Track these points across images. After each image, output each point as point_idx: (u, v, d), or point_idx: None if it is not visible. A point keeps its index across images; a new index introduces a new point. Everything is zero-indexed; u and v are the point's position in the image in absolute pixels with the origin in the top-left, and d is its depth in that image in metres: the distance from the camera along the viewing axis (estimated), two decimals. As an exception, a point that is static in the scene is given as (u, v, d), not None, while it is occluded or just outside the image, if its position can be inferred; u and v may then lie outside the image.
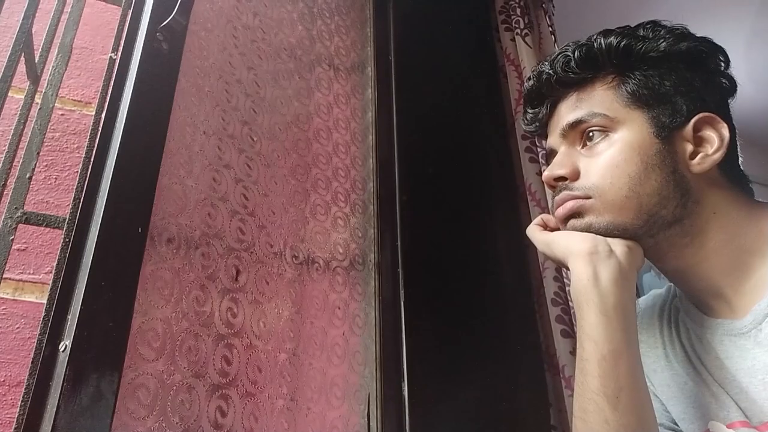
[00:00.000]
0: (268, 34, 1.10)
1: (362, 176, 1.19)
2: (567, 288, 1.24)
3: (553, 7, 1.74)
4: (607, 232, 0.64)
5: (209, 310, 0.78)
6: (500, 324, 1.24)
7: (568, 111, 0.70)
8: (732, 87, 0.69)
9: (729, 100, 0.69)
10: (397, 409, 0.95)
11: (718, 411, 0.62)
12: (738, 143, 0.70)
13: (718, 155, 0.64)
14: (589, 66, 0.69)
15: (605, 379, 0.57)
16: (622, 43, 0.67)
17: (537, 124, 0.76)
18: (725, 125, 0.65)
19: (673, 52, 0.66)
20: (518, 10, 1.62)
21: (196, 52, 0.92)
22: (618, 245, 0.63)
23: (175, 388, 0.70)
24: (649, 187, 0.63)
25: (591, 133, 0.66)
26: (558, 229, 0.70)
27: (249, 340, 0.81)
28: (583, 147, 0.68)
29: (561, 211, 0.68)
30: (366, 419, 0.94)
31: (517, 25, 1.60)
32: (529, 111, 0.77)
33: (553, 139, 0.72)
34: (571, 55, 0.69)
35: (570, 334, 1.22)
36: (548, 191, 1.35)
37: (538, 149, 1.42)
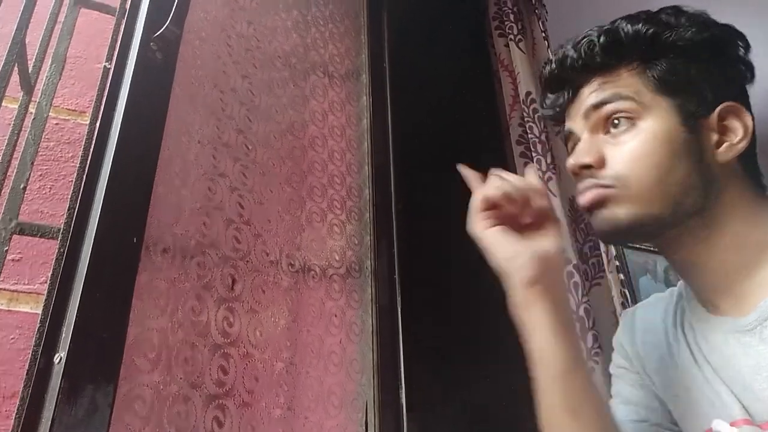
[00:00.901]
0: (263, 43, 1.10)
1: (358, 183, 1.19)
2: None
3: (546, 12, 1.75)
4: (633, 223, 0.63)
5: (205, 320, 0.78)
6: (497, 329, 1.24)
7: (592, 92, 0.68)
8: (751, 73, 0.68)
9: (747, 86, 0.69)
10: (394, 417, 0.95)
11: (721, 410, 0.61)
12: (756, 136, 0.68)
13: (742, 144, 0.64)
14: (614, 51, 0.67)
15: (561, 396, 0.61)
16: (650, 31, 0.66)
17: (557, 109, 0.75)
18: (749, 115, 0.65)
19: (697, 40, 0.65)
20: (512, 16, 1.63)
21: (190, 61, 0.92)
22: (542, 262, 0.64)
23: (171, 399, 0.70)
24: (675, 177, 0.62)
25: (616, 120, 0.65)
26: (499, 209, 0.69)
27: (245, 349, 0.81)
28: (607, 133, 0.67)
29: (584, 200, 0.67)
30: (364, 427, 0.93)
31: (510, 31, 1.60)
32: (549, 95, 0.76)
33: (574, 123, 0.71)
34: (596, 40, 0.68)
35: (567, 339, 1.21)
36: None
37: (533, 154, 1.42)
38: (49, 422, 0.57)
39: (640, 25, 0.67)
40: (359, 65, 1.35)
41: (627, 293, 1.29)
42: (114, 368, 0.64)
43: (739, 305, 0.63)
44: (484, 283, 1.29)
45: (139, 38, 0.83)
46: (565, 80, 0.72)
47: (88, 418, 0.59)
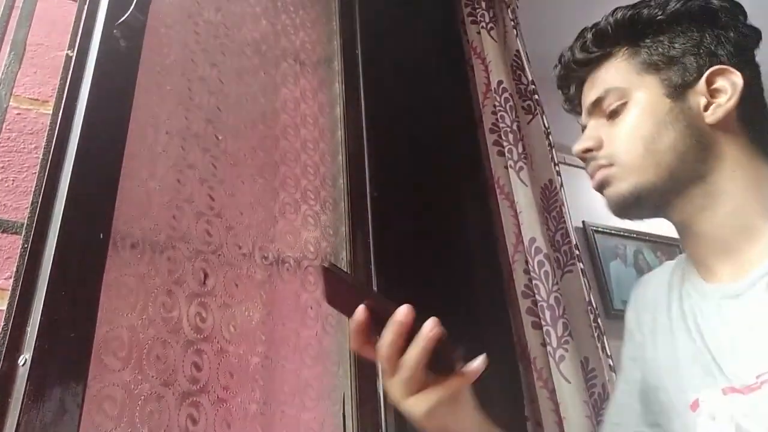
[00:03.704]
0: (232, 30, 1.07)
1: (332, 173, 1.18)
2: (535, 282, 1.25)
3: (517, 0, 1.75)
4: (636, 195, 0.66)
5: (177, 316, 0.76)
6: (473, 318, 1.25)
7: (589, 90, 0.74)
8: (753, 36, 0.70)
9: (754, 50, 0.70)
10: (373, 408, 0.95)
11: (709, 379, 0.62)
12: (764, 91, 0.71)
13: (731, 103, 0.65)
14: (603, 43, 0.72)
15: None
16: (627, 14, 0.71)
17: (571, 104, 0.81)
18: (738, 74, 0.66)
19: (680, 12, 0.69)
20: (483, 4, 1.62)
21: (155, 49, 0.89)
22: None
23: (143, 398, 0.68)
24: (663, 144, 0.65)
25: (614, 110, 0.70)
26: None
27: (219, 344, 0.80)
28: (608, 119, 0.71)
29: (593, 183, 0.71)
30: (342, 419, 0.93)
31: (482, 19, 1.60)
32: (563, 94, 0.82)
33: (584, 117, 0.76)
34: (586, 36, 0.74)
35: (540, 326, 1.23)
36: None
37: (504, 143, 1.42)
38: (14, 428, 0.55)
39: (619, 12, 0.72)
40: (331, 52, 1.33)
41: (587, 282, 1.31)
42: (82, 368, 0.62)
43: (735, 271, 0.64)
44: (461, 272, 1.30)
45: (102, 25, 0.80)
46: (569, 78, 0.79)
47: (56, 421, 0.57)
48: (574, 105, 0.80)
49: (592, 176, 0.72)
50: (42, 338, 0.60)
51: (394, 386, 0.59)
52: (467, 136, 1.53)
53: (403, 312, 0.56)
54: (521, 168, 1.37)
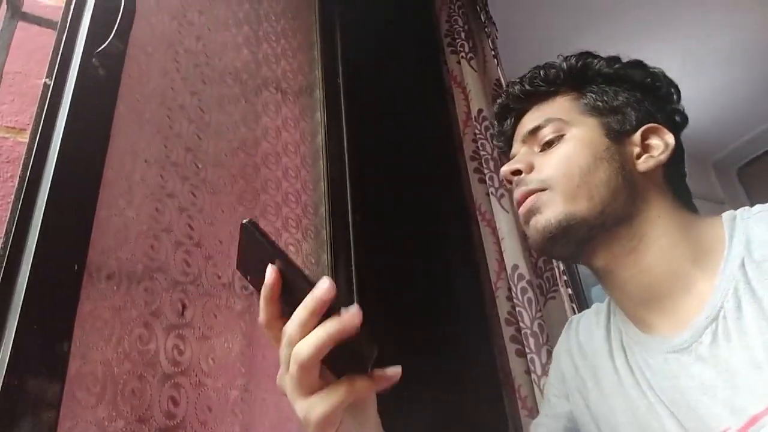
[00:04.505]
0: (212, 58, 1.07)
1: (314, 201, 1.17)
2: (518, 309, 1.25)
3: (497, 31, 1.79)
4: (565, 224, 0.65)
5: (154, 349, 0.74)
6: (456, 345, 1.24)
7: (529, 120, 0.75)
8: (683, 120, 0.75)
9: (680, 132, 0.74)
10: (354, 441, 0.92)
11: None
12: (685, 161, 0.75)
13: (663, 157, 0.69)
14: (551, 81, 0.75)
15: None
16: (581, 62, 0.74)
17: (504, 137, 0.82)
18: (671, 134, 0.70)
19: (627, 74, 0.74)
20: (463, 34, 1.65)
21: (135, 77, 0.88)
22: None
23: (117, 435, 0.66)
24: (598, 178, 0.66)
25: (549, 140, 0.71)
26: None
27: (198, 378, 0.77)
28: (541, 150, 0.72)
29: (521, 210, 0.70)
30: (323, 453, 0.90)
31: (462, 49, 1.62)
32: (498, 126, 0.83)
33: (515, 147, 0.77)
34: (538, 73, 0.76)
35: (524, 353, 1.22)
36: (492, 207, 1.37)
37: (485, 170, 1.43)
38: (-21, 471, 0.52)
39: (574, 58, 0.75)
40: (312, 81, 1.34)
41: (575, 308, 1.31)
42: (54, 404, 0.60)
43: (673, 323, 0.63)
44: (443, 299, 1.29)
45: (81, 53, 0.79)
46: (510, 110, 0.80)
47: (25, 461, 0.55)
48: (507, 138, 0.81)
49: (519, 203, 0.71)
50: (11, 373, 0.58)
51: (285, 381, 0.48)
52: (448, 163, 1.54)
53: (324, 288, 0.45)
54: (503, 195, 1.38)
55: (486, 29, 1.73)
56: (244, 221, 0.50)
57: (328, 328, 0.44)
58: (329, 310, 0.45)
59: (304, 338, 0.45)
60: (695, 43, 2.58)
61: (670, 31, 2.51)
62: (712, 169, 3.55)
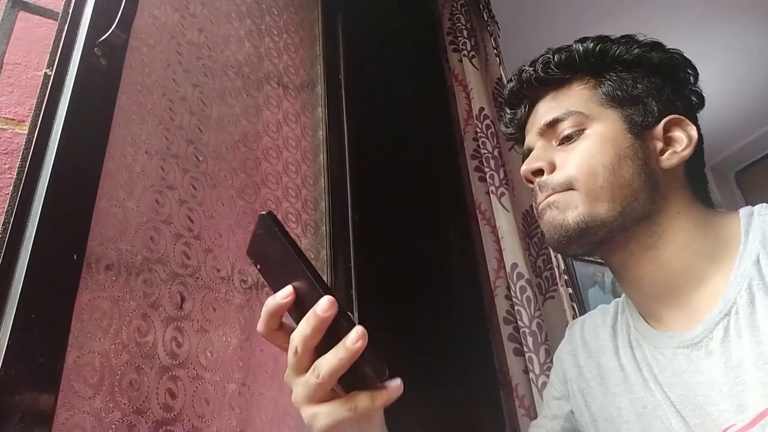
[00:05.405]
0: (215, 51, 1.07)
1: (314, 196, 1.17)
2: (517, 308, 1.25)
3: (499, 29, 1.78)
4: (584, 226, 0.64)
5: (152, 341, 0.73)
6: (454, 344, 1.23)
7: (546, 110, 0.72)
8: (700, 101, 0.73)
9: (697, 113, 0.72)
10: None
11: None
12: (704, 151, 0.73)
13: (686, 153, 0.67)
14: (567, 67, 0.71)
15: None
16: (599, 47, 0.70)
17: (516, 124, 0.78)
18: (694, 127, 0.68)
19: (645, 58, 0.70)
20: (465, 32, 1.64)
21: (137, 68, 0.88)
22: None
23: (114, 426, 0.65)
24: (622, 178, 0.64)
25: (568, 135, 0.68)
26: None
27: (195, 371, 0.77)
28: (559, 144, 0.69)
29: (538, 206, 0.69)
30: (320, 449, 0.90)
31: (464, 47, 1.62)
32: (509, 112, 0.79)
33: (531, 138, 0.73)
34: (551, 57, 0.72)
35: (522, 352, 1.22)
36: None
37: (486, 169, 1.43)
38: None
39: (590, 42, 0.71)
40: (314, 76, 1.33)
41: (575, 306, 1.31)
42: (51, 396, 0.59)
43: (685, 318, 0.63)
44: (442, 297, 1.29)
45: (83, 43, 0.78)
46: (523, 96, 0.76)
47: (21, 452, 0.54)
48: (519, 126, 0.78)
49: (536, 198, 0.69)
50: (8, 363, 0.57)
51: (297, 386, 0.50)
52: (449, 161, 1.54)
53: (323, 306, 0.46)
54: (503, 194, 1.38)
55: (488, 27, 1.73)
56: (263, 212, 0.50)
57: (342, 353, 0.45)
58: (335, 320, 0.46)
59: (328, 358, 0.46)
60: (693, 47, 2.58)
61: (669, 33, 2.51)
62: (709, 174, 3.56)
